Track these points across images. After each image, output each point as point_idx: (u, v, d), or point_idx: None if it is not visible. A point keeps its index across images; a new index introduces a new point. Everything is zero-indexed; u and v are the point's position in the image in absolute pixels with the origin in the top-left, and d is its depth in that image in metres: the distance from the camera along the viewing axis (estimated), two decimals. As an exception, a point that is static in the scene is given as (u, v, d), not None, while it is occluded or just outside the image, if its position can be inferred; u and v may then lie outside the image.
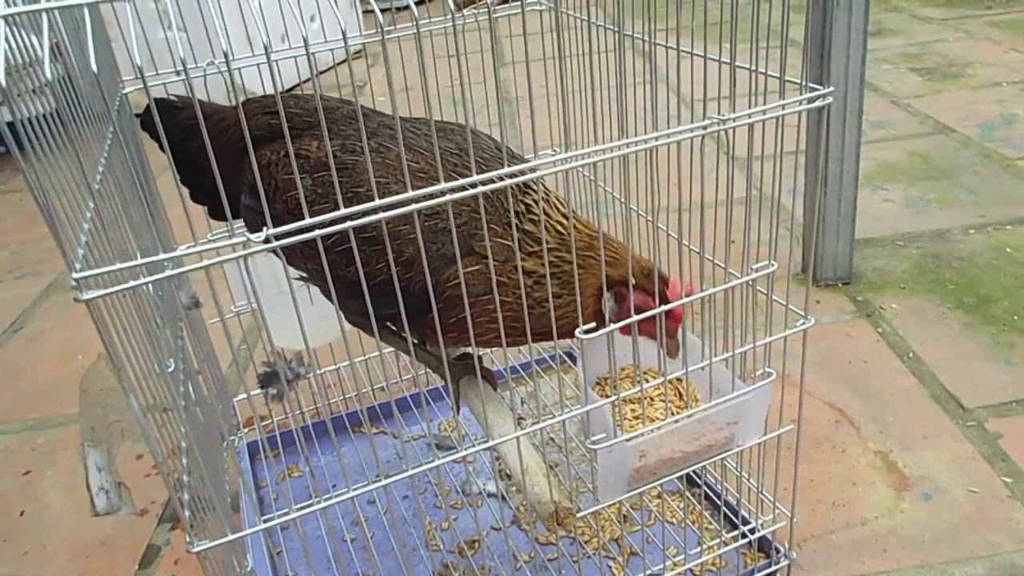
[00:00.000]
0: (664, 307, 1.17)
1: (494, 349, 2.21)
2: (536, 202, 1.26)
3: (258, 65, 1.66)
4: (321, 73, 1.82)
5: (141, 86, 0.84)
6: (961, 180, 3.21)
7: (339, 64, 1.81)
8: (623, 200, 1.09)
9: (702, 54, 1.24)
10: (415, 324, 1.27)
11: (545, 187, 1.33)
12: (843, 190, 2.47)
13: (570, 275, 1.22)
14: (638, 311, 1.17)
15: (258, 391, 1.85)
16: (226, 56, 0.83)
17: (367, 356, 2.15)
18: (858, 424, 2.02)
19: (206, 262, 0.86)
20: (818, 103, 1.14)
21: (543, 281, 1.24)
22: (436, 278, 1.23)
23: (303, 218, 0.88)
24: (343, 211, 0.89)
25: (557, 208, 1.30)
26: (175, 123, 1.46)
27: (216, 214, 1.61)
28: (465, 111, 0.95)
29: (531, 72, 1.00)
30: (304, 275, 1.42)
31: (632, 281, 1.19)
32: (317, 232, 0.88)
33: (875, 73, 4.40)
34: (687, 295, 1.22)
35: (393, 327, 1.44)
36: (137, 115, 1.59)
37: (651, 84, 1.15)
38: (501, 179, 1.01)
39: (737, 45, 1.15)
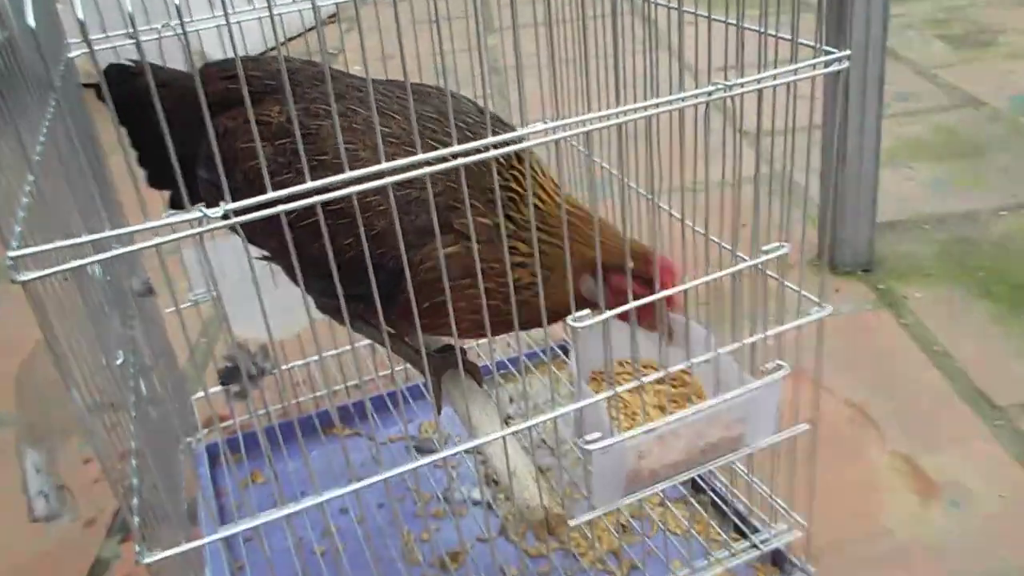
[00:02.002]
0: (661, 294, 1.16)
1: (478, 342, 2.21)
2: (523, 175, 1.26)
3: (218, 27, 1.65)
4: (290, 40, 1.81)
5: (88, 49, 0.83)
6: (992, 157, 3.22)
7: (310, 30, 1.80)
8: (621, 176, 1.09)
9: (707, 15, 1.24)
10: (387, 306, 1.26)
11: (539, 164, 1.32)
12: (863, 168, 2.47)
13: (557, 258, 1.22)
14: (635, 298, 1.17)
15: (218, 388, 1.84)
16: (179, 12, 0.82)
17: (339, 350, 2.14)
18: (880, 424, 2.03)
19: (158, 239, 0.86)
20: (834, 67, 1.14)
21: (528, 263, 1.23)
22: (409, 255, 1.22)
23: (264, 190, 0.87)
24: (308, 184, 0.88)
25: (544, 186, 1.30)
26: (131, 91, 1.45)
27: (178, 201, 1.59)
28: (445, 78, 0.95)
29: (521, 39, 0.99)
30: (267, 255, 1.41)
31: (629, 265, 1.18)
32: (280, 207, 0.87)
33: (899, 40, 4.41)
34: (675, 274, 1.21)
35: (364, 316, 1.43)
36: (88, 85, 1.57)
37: (651, 50, 1.14)
38: (485, 149, 1.00)
39: (746, 11, 1.14)
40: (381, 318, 1.06)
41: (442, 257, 1.09)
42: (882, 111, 2.43)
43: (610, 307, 1.18)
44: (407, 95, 0.95)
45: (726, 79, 1.10)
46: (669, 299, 1.22)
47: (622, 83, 1.06)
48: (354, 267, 1.08)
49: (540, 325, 1.20)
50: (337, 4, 2.12)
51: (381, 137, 1.27)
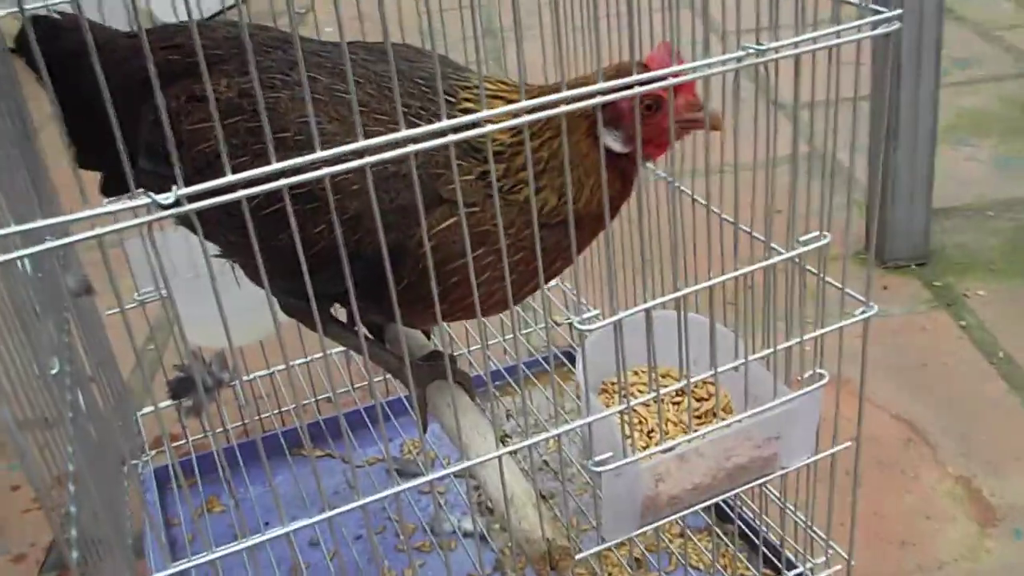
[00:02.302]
0: (672, 80, 1.13)
1: (469, 344, 2.21)
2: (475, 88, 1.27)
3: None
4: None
5: (15, 7, 0.83)
6: (1067, 133, 3.23)
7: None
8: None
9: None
10: (373, 299, 1.27)
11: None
12: (917, 146, 2.48)
13: (551, 148, 1.23)
14: (650, 109, 1.18)
15: (169, 403, 1.84)
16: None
17: (309, 358, 2.15)
18: (934, 442, 2.04)
19: (99, 230, 0.86)
20: (883, 29, 1.14)
21: (541, 181, 1.24)
22: (395, 237, 1.22)
23: (216, 177, 0.87)
24: (276, 165, 0.88)
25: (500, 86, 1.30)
26: (58, 51, 1.44)
27: (112, 186, 1.58)
28: (432, 40, 0.95)
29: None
30: (224, 251, 1.41)
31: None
32: (242, 192, 0.87)
33: (959, -3, 4.42)
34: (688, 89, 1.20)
35: (342, 320, 1.43)
36: (15, 51, 1.57)
37: (671, 8, 1.15)
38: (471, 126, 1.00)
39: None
40: (357, 318, 1.06)
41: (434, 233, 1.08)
42: (939, 79, 2.43)
43: (645, 139, 1.16)
44: (370, 56, 0.95)
45: (758, 42, 1.10)
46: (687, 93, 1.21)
47: (637, 48, 1.06)
48: (327, 258, 1.08)
49: (583, 243, 1.21)
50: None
51: (348, 106, 1.28)
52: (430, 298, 1.24)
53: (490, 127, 0.99)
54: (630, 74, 1.04)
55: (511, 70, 1.99)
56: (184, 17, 0.96)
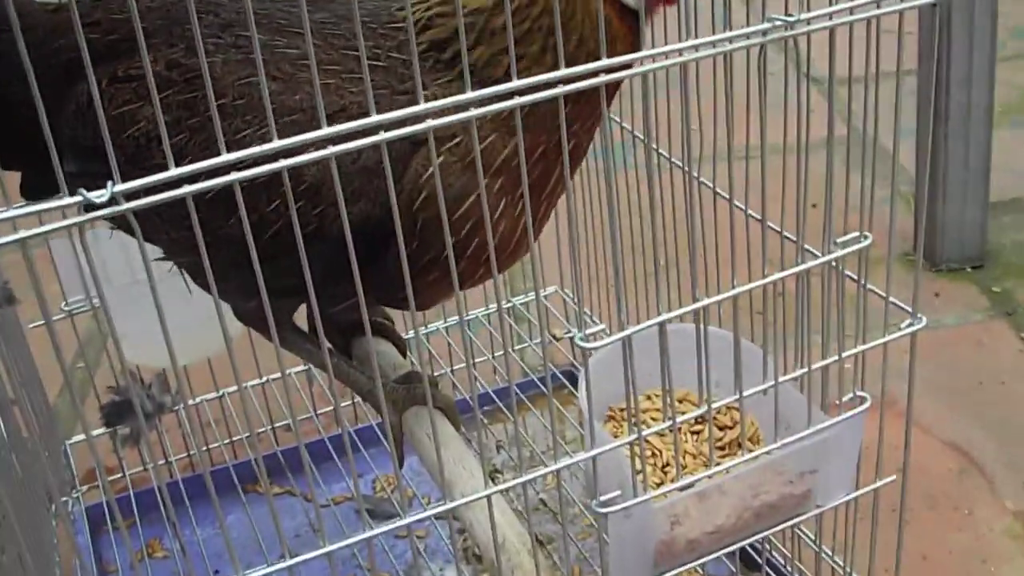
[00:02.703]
0: None
1: (452, 362, 2.20)
2: None
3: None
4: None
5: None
6: None
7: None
8: (645, 140, 1.09)
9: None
10: (350, 285, 1.26)
11: None
12: (971, 130, 2.48)
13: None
14: None
15: (103, 430, 1.83)
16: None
17: (265, 378, 2.14)
18: (991, 473, 2.04)
19: (23, 233, 0.85)
20: (929, -1, 1.14)
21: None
22: (364, 205, 1.22)
23: (152, 168, 0.86)
24: (227, 156, 0.87)
25: None
26: None
27: (34, 188, 1.58)
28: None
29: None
30: (167, 252, 1.40)
31: None
32: (187, 188, 0.86)
33: (1018, -43, 4.43)
34: None
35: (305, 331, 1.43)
36: None
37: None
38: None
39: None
40: (319, 324, 1.04)
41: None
42: (996, 53, 2.44)
43: None
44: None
45: (787, 11, 1.10)
46: None
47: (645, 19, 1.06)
48: (282, 245, 1.07)
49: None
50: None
51: (290, 63, 1.28)
52: (436, 264, 1.23)
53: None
54: None
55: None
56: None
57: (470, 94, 0.95)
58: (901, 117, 1.21)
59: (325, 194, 1.22)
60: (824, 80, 1.16)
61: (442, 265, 1.23)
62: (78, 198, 0.83)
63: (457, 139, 1.25)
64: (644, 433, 1.21)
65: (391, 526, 1.16)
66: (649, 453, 1.40)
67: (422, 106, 0.93)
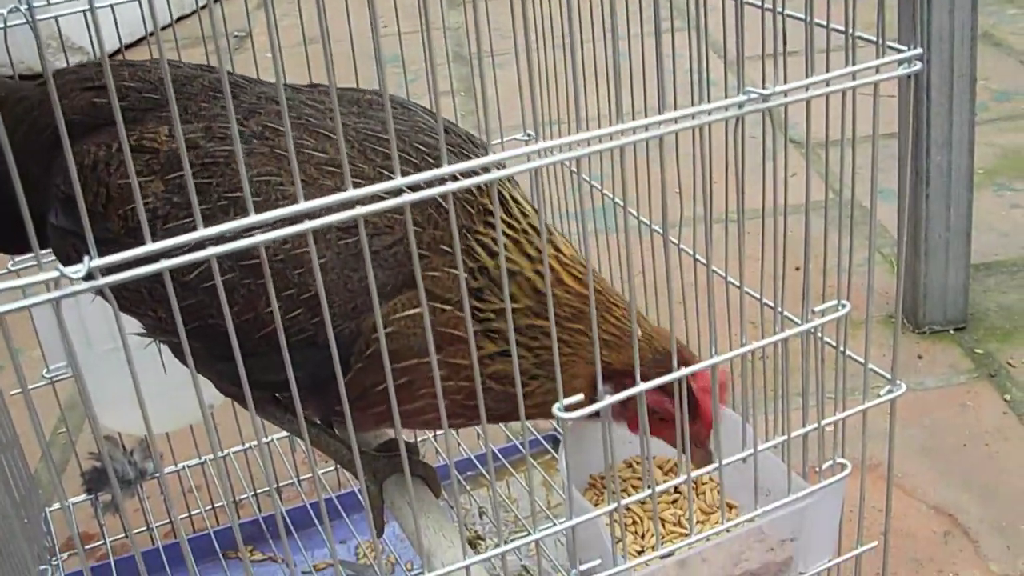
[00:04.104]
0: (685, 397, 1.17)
1: (434, 432, 2.20)
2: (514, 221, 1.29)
3: (84, 12, 1.65)
4: (178, 20, 1.82)
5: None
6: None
7: (203, 8, 1.79)
8: (622, 203, 1.10)
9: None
10: (318, 394, 1.26)
11: (522, 200, 1.34)
12: (952, 193, 2.49)
13: (548, 351, 1.24)
14: (651, 413, 1.18)
15: (84, 497, 1.83)
16: None
17: (247, 445, 2.14)
18: (976, 536, 2.03)
19: (4, 307, 0.85)
20: (903, 70, 1.16)
21: (507, 353, 1.25)
22: (358, 324, 1.23)
23: (155, 240, 0.87)
24: (208, 230, 0.87)
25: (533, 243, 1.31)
26: None
27: (10, 244, 1.58)
28: (381, 70, 0.95)
29: (493, 18, 1.00)
30: (149, 329, 1.40)
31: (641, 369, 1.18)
32: (165, 263, 0.87)
33: (996, 21, 4.47)
34: (721, 382, 1.22)
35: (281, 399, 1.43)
36: None
37: (665, 31, 1.15)
38: (456, 178, 0.99)
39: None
40: (299, 410, 1.05)
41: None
42: (974, 116, 2.45)
43: (631, 429, 1.20)
44: (336, 105, 0.95)
45: (763, 76, 1.11)
46: (704, 422, 1.25)
47: (624, 84, 1.07)
48: (275, 344, 1.07)
49: (535, 418, 1.22)
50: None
51: (316, 166, 1.28)
52: (373, 394, 1.23)
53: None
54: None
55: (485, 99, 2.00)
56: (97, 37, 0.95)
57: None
58: (881, 180, 1.22)
59: (329, 307, 1.22)
60: (802, 142, 1.16)
61: (371, 398, 1.25)
62: (54, 273, 0.83)
63: (448, 307, 1.26)
64: (624, 502, 1.21)
65: (370, 596, 1.16)
66: (630, 521, 1.40)
67: (408, 196, 0.94)
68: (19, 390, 0.98)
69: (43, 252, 1.24)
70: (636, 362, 1.10)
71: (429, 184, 0.95)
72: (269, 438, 2.16)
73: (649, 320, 1.45)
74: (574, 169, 1.87)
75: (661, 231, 1.14)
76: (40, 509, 2.05)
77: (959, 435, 2.29)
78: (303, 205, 0.89)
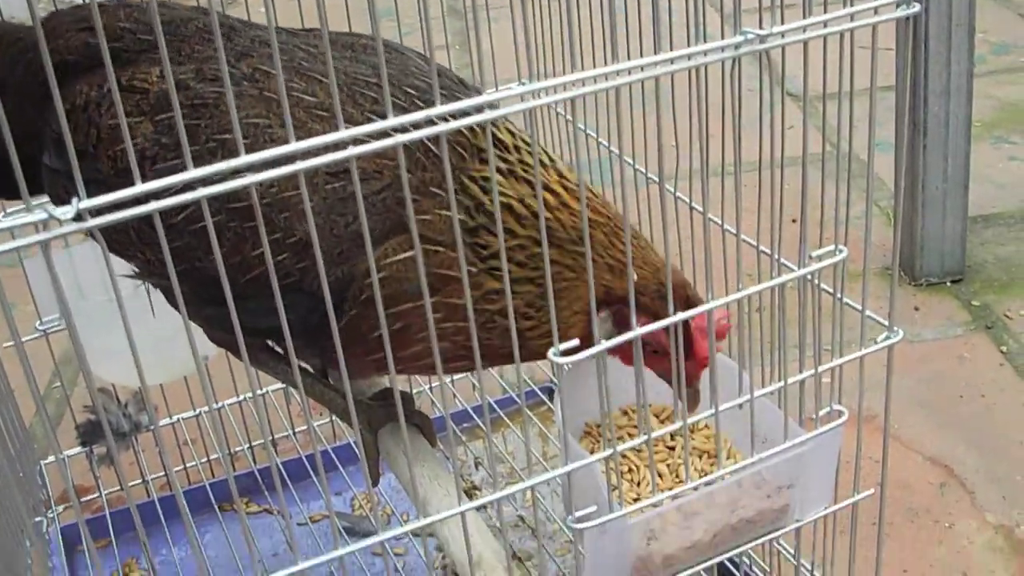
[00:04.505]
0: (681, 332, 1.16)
1: (430, 379, 2.20)
2: (512, 153, 1.27)
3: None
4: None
5: None
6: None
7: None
8: (619, 152, 1.09)
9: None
10: (312, 341, 1.26)
11: (517, 135, 1.33)
12: (950, 144, 2.49)
13: (553, 280, 1.22)
14: (645, 345, 1.17)
15: (78, 450, 1.83)
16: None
17: (242, 397, 2.14)
18: (972, 487, 2.04)
19: (-8, 249, 0.85)
20: (902, 11, 1.15)
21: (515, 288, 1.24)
22: (347, 269, 1.22)
23: (144, 180, 0.86)
24: (193, 172, 0.87)
25: (546, 165, 1.30)
26: None
27: (7, 190, 1.58)
28: (375, 22, 0.94)
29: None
30: (137, 271, 1.40)
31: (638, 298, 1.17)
32: (154, 205, 0.86)
33: (996, -29, 4.45)
34: (720, 331, 1.21)
35: (278, 348, 1.42)
36: None
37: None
38: (449, 118, 0.98)
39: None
40: (292, 357, 1.04)
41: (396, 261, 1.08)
42: (973, 67, 2.44)
43: (624, 361, 1.20)
44: (328, 48, 0.93)
45: (760, 24, 1.10)
46: (698, 360, 1.24)
47: (619, 33, 1.06)
48: (264, 288, 1.07)
49: (530, 359, 1.21)
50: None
51: (305, 110, 1.27)
52: (371, 341, 1.23)
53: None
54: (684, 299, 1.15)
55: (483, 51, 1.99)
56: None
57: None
58: (878, 132, 1.21)
59: (313, 251, 1.21)
60: (799, 94, 1.16)
61: (367, 343, 1.24)
62: (43, 215, 0.82)
63: (441, 248, 1.25)
64: (620, 448, 1.21)
65: (365, 543, 1.16)
66: (626, 468, 1.40)
67: (400, 137, 0.93)
68: (10, 343, 0.98)
69: (36, 196, 1.23)
70: (632, 308, 1.09)
71: (421, 125, 0.95)
72: (264, 390, 2.16)
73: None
74: (569, 118, 1.86)
75: (657, 180, 1.14)
76: (35, 462, 2.05)
77: (956, 387, 2.29)
78: (295, 145, 0.88)
